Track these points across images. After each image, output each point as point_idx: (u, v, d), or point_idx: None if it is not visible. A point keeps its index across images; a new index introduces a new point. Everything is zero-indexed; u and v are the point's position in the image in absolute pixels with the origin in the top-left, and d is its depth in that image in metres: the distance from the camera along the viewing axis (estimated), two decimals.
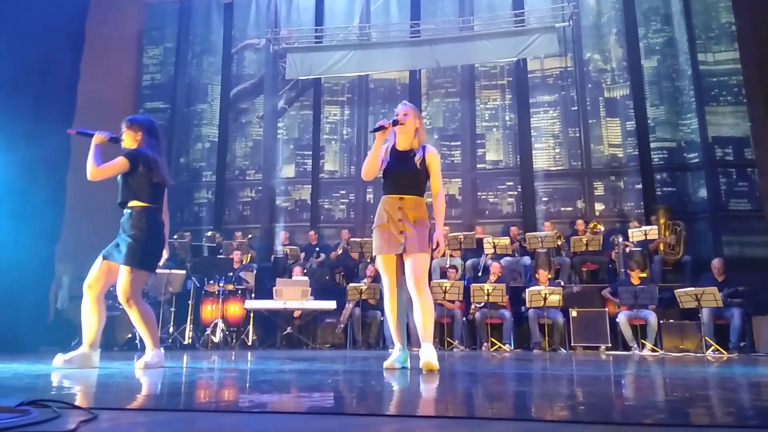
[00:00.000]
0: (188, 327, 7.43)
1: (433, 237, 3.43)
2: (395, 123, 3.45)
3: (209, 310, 7.65)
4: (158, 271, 7.31)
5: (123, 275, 3.49)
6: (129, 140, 3.66)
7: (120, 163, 3.52)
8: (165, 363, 3.67)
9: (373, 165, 3.47)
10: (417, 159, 3.44)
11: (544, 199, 10.50)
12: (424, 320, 3.35)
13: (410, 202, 3.43)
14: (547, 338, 7.46)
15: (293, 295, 7.64)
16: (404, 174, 3.46)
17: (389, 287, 3.47)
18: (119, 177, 3.58)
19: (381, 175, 3.56)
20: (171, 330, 7.32)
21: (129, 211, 3.57)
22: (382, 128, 3.40)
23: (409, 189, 3.45)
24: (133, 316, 3.55)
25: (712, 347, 6.91)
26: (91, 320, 3.52)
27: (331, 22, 11.76)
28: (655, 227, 8.57)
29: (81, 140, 3.73)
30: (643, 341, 7.22)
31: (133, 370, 3.36)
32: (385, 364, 3.38)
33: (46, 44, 6.72)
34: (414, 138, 3.50)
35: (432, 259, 3.66)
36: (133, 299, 3.50)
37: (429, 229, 3.43)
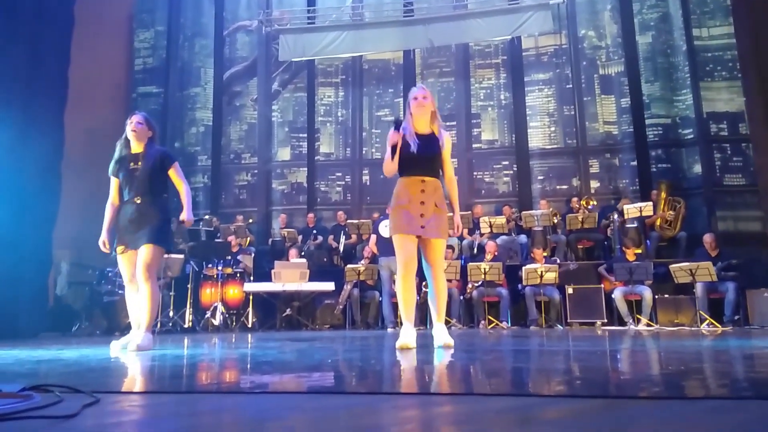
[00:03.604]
0: (188, 311, 7.46)
1: (453, 220, 3.56)
2: (398, 124, 3.48)
3: (208, 294, 7.67)
4: None
5: (147, 253, 3.73)
6: (142, 135, 3.91)
7: (178, 167, 3.99)
8: (156, 346, 3.88)
9: (394, 164, 3.50)
10: (441, 144, 3.50)
11: (539, 177, 10.50)
12: (439, 303, 3.53)
13: (431, 184, 3.47)
14: (543, 315, 7.53)
15: (292, 278, 7.66)
16: (428, 157, 3.48)
17: (404, 266, 3.47)
18: (147, 172, 3.82)
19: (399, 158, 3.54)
20: (171, 314, 7.35)
21: (147, 200, 3.82)
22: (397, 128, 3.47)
23: (431, 171, 3.50)
24: (146, 291, 3.74)
25: (707, 321, 6.97)
26: (135, 307, 3.84)
27: (323, 2, 11.64)
28: (650, 203, 8.60)
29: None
30: (638, 316, 7.28)
31: (131, 352, 3.42)
32: (400, 344, 3.33)
33: (35, 29, 6.64)
34: (432, 122, 3.54)
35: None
36: (153, 275, 3.78)
37: (447, 213, 3.52)
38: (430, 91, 3.64)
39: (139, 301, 3.80)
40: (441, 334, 3.44)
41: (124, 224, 3.80)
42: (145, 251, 3.73)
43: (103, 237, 3.90)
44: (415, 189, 3.46)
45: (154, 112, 11.50)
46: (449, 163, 3.62)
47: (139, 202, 3.79)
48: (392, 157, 3.47)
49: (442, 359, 2.75)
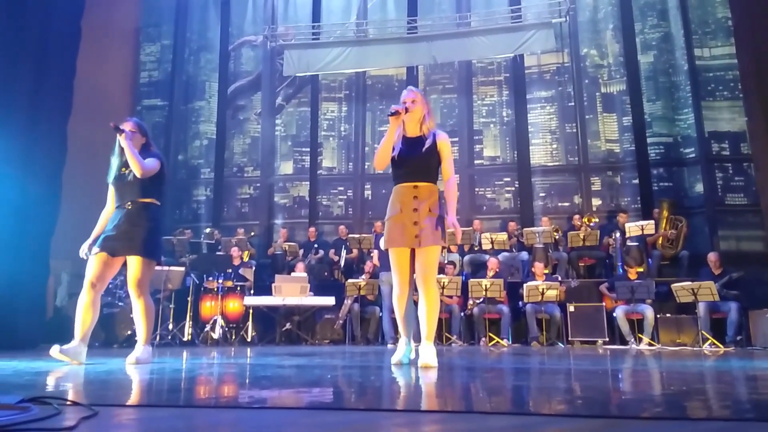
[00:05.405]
0: (188, 323, 7.43)
1: (446, 225, 3.31)
2: (407, 110, 3.35)
3: (208, 307, 7.66)
4: (156, 267, 7.41)
5: (137, 266, 3.64)
6: (135, 142, 3.82)
7: (157, 165, 3.79)
8: (155, 359, 3.84)
9: (386, 153, 3.36)
10: (427, 144, 3.34)
11: (541, 194, 10.52)
12: (428, 316, 3.26)
13: (425, 190, 3.32)
14: (544, 333, 7.49)
15: (292, 292, 7.64)
16: (416, 160, 3.34)
17: (400, 281, 3.36)
18: (130, 177, 3.71)
19: (390, 165, 3.44)
20: (170, 327, 7.32)
21: (138, 206, 3.72)
22: (397, 113, 3.30)
23: (422, 176, 3.34)
24: (139, 307, 3.68)
25: (709, 341, 6.93)
26: (88, 316, 3.62)
27: (328, 18, 11.76)
28: (652, 222, 8.60)
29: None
30: (639, 335, 7.24)
31: (130, 365, 3.41)
32: (393, 359, 3.33)
33: (42, 39, 6.70)
34: (423, 124, 3.41)
35: (448, 250, 3.58)
36: (144, 290, 3.68)
37: (442, 218, 3.32)
38: (420, 94, 3.49)
39: (134, 315, 3.72)
40: (425, 354, 3.20)
41: (110, 229, 3.68)
42: (135, 264, 3.63)
43: (87, 242, 3.73)
44: (407, 196, 3.31)
45: (159, 124, 11.60)
46: (446, 164, 3.41)
47: (129, 207, 3.70)
48: (390, 149, 3.33)
49: (442, 376, 2.73)
